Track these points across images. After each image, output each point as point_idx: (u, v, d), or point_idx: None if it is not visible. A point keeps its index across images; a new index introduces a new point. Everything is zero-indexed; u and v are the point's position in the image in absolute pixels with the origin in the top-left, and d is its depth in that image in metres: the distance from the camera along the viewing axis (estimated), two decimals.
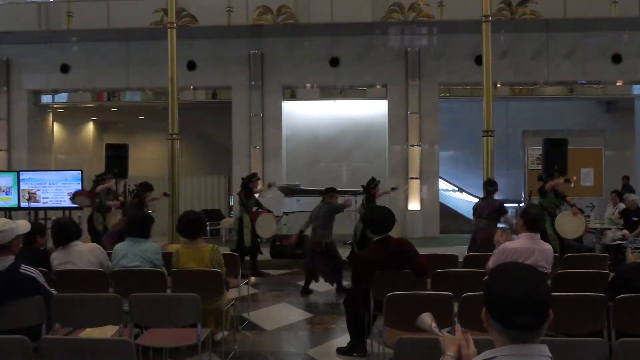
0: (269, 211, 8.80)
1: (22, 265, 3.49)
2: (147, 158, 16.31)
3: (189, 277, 4.43)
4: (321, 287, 7.58)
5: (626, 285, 3.56)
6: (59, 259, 4.41)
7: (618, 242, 8.70)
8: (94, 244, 4.69)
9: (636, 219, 9.13)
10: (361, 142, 13.08)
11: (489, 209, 7.63)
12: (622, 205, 9.69)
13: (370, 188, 8.55)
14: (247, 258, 8.45)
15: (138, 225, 4.69)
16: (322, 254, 7.17)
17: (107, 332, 3.89)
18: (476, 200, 8.85)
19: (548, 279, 4.43)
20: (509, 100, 13.82)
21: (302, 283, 7.53)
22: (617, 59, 11.87)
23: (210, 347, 4.23)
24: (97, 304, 3.75)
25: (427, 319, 2.16)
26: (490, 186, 7.83)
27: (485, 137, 8.71)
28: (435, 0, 11.50)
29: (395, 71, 12.29)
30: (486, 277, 3.93)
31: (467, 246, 8.57)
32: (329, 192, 7.56)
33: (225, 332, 5.01)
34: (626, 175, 10.37)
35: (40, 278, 3.57)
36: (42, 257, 4.43)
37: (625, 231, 8.97)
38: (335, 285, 7.31)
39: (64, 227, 4.58)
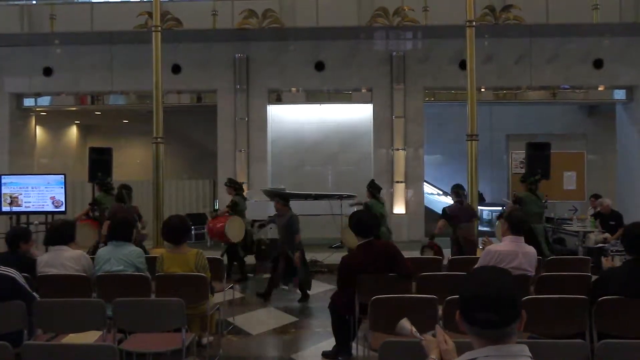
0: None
1: (0, 266, 3.45)
2: (131, 162, 16.17)
3: (173, 282, 4.40)
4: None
5: (608, 287, 3.61)
6: (44, 262, 4.36)
7: (600, 245, 8.80)
8: (81, 252, 4.58)
9: (613, 222, 9.26)
10: (346, 146, 13.10)
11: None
12: (591, 210, 9.92)
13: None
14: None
15: (120, 229, 4.64)
16: None
17: (91, 337, 3.85)
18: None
19: (531, 281, 4.48)
20: (493, 105, 13.94)
21: (287, 287, 7.56)
22: (598, 64, 12.02)
23: (195, 352, 4.21)
24: (80, 309, 3.71)
25: (406, 325, 2.13)
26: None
27: (469, 141, 8.77)
28: (419, 5, 11.56)
29: (380, 75, 12.34)
30: None
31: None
32: None
33: (211, 337, 4.98)
34: (595, 194, 10.48)
35: (21, 279, 3.53)
36: (27, 263, 4.34)
37: (607, 234, 9.09)
38: None
39: (55, 229, 4.53)
